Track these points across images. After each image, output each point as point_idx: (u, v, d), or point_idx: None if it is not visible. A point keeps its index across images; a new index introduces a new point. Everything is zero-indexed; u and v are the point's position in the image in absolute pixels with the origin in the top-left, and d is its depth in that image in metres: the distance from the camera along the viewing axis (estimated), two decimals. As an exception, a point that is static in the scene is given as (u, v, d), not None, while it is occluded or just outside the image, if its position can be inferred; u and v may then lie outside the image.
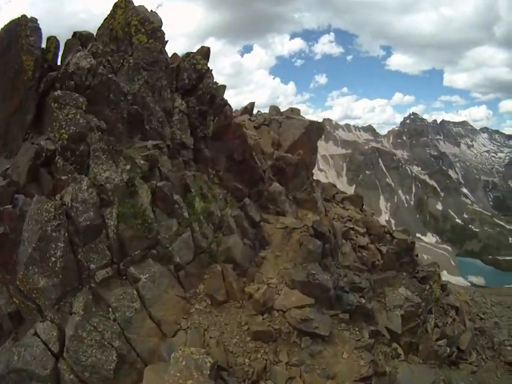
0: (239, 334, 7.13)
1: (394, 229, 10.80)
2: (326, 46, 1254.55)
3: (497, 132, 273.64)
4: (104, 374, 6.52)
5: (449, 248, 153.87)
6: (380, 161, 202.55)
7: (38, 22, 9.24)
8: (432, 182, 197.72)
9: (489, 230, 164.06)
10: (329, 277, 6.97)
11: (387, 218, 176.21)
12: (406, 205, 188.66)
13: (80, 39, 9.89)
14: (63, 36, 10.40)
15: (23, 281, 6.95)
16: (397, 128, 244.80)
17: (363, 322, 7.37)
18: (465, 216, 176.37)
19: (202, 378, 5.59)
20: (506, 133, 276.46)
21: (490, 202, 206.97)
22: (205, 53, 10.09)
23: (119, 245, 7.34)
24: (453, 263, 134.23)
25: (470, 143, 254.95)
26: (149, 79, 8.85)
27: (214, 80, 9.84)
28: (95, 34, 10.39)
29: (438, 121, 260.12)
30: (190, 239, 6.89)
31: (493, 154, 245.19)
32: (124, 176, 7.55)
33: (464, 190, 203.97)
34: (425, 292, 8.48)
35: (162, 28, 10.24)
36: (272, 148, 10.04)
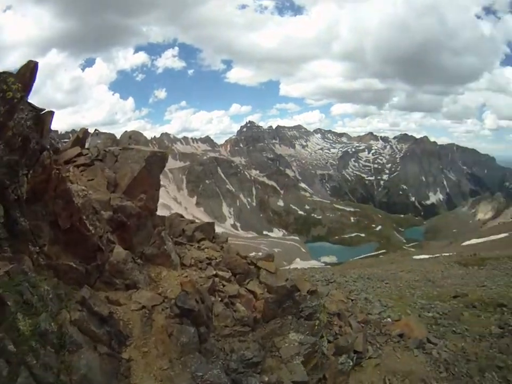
0: None
1: (256, 257, 10.00)
2: (169, 60, 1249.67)
3: (329, 131, 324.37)
4: None
5: (297, 238, 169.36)
6: (219, 169, 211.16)
7: None
8: (271, 182, 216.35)
9: (331, 215, 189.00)
10: (218, 369, 5.51)
11: (232, 223, 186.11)
12: (249, 207, 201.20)
13: None
14: None
15: None
16: (234, 137, 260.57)
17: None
18: (306, 207, 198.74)
19: None
20: (338, 131, 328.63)
21: (328, 192, 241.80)
22: (30, 70, 7.25)
23: None
24: (303, 250, 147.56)
25: (304, 143, 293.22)
26: None
27: (34, 110, 7.34)
28: None
29: (274, 127, 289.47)
30: (31, 380, 4.32)
31: (326, 150, 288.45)
32: None
33: (303, 185, 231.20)
34: (316, 327, 7.84)
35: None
36: (108, 191, 7.97)
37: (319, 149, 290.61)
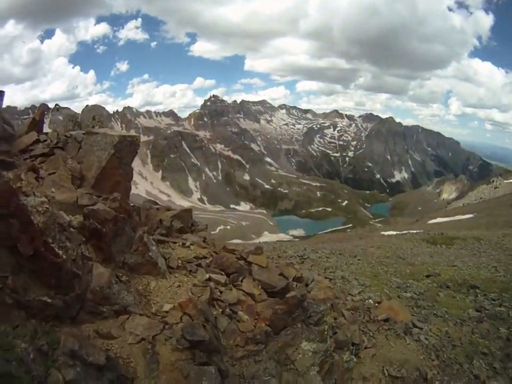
0: None
1: (244, 249, 9.36)
2: (131, 31, 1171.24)
3: (294, 107, 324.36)
4: None
5: (264, 211, 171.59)
6: (183, 143, 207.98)
7: None
8: (236, 156, 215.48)
9: (297, 189, 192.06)
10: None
11: (199, 196, 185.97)
12: (215, 181, 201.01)
13: None
14: None
15: None
16: (198, 111, 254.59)
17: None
18: (272, 181, 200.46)
19: None
20: (303, 108, 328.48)
21: (294, 167, 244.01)
22: None
23: None
24: (271, 223, 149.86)
25: (269, 118, 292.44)
26: None
27: None
28: None
29: (238, 102, 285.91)
30: None
31: (291, 126, 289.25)
32: None
33: (268, 159, 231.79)
34: (325, 332, 7.39)
35: None
36: (73, 186, 6.89)
37: (284, 124, 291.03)
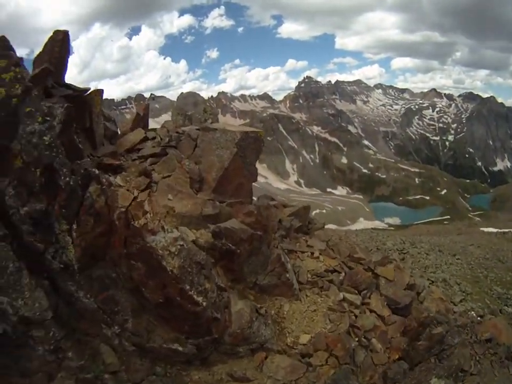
0: None
1: (357, 251, 8.38)
2: (216, 20, 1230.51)
3: (391, 87, 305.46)
4: None
5: (361, 197, 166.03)
6: (280, 126, 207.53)
7: None
8: (333, 139, 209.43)
9: (396, 175, 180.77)
10: None
11: (296, 179, 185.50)
12: (312, 164, 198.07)
13: None
14: None
15: None
16: (292, 93, 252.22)
17: None
18: (370, 165, 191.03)
19: None
20: (400, 87, 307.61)
21: (392, 150, 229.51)
22: (59, 42, 5.51)
23: None
24: (367, 209, 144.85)
25: (365, 99, 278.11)
26: None
27: (75, 92, 5.56)
28: None
29: (333, 82, 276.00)
30: None
31: (389, 107, 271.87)
32: None
33: (366, 142, 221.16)
34: (454, 367, 6.17)
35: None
36: (193, 192, 5.93)
37: (381, 105, 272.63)
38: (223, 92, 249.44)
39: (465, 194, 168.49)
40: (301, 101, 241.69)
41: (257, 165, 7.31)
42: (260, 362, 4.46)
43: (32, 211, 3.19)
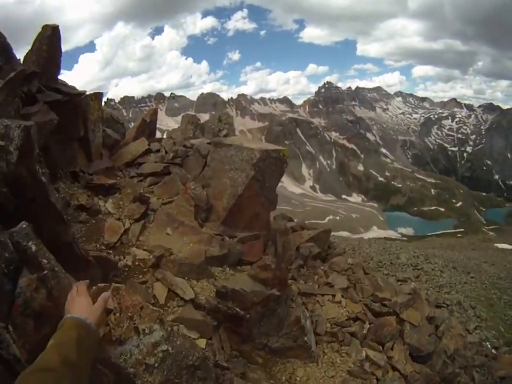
0: None
1: (381, 288, 7.32)
2: (239, 22, 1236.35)
3: (411, 95, 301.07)
4: None
5: (375, 205, 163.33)
6: (298, 130, 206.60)
7: None
8: (351, 146, 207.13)
9: (412, 185, 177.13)
10: None
11: (311, 184, 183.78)
12: (328, 170, 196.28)
13: None
14: None
15: None
16: (312, 98, 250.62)
17: None
18: (387, 174, 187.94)
19: None
20: (420, 95, 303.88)
21: (410, 160, 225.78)
22: (47, 39, 4.61)
23: None
24: (381, 218, 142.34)
25: (385, 106, 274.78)
26: None
27: (66, 95, 4.62)
28: None
29: (353, 88, 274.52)
30: None
31: (408, 115, 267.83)
32: None
33: (383, 150, 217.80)
34: None
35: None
36: (197, 222, 4.84)
37: (400, 113, 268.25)
38: (243, 94, 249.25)
39: (481, 208, 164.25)
40: (320, 106, 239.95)
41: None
42: None
43: None
